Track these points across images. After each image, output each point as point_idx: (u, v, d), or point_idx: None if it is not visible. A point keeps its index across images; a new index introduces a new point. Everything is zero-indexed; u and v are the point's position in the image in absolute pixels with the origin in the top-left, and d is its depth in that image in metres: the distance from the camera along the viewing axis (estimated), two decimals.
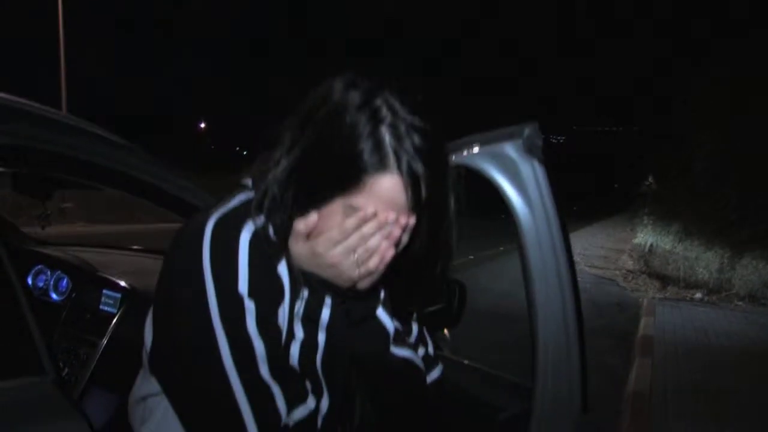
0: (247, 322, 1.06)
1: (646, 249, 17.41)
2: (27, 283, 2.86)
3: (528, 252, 1.42)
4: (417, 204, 1.08)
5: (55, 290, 2.82)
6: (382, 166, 1.05)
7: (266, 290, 1.09)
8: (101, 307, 2.62)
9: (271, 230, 1.12)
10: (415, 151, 1.06)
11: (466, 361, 1.89)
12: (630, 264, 15.96)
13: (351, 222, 1.07)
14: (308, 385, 1.12)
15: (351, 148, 1.05)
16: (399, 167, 1.05)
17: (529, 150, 1.37)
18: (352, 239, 1.08)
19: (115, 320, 2.52)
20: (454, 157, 1.45)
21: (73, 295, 2.72)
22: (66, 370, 2.50)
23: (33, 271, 2.88)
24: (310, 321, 1.13)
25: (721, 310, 10.86)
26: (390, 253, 1.08)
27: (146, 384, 1.25)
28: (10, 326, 1.38)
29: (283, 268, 1.13)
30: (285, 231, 1.12)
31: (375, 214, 1.06)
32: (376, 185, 1.06)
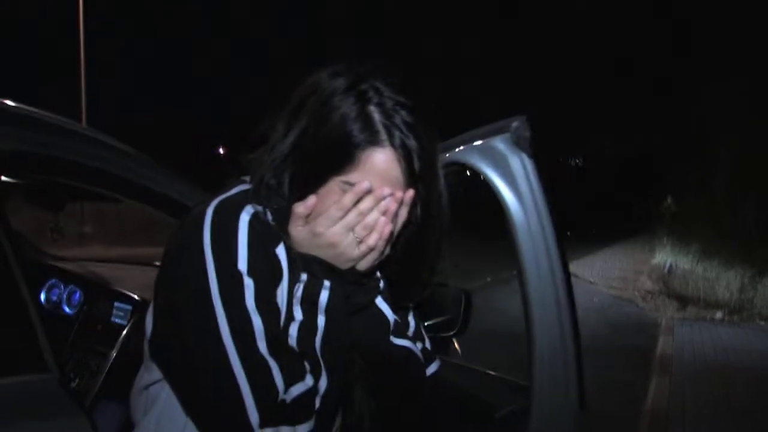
0: (246, 298, 1.09)
1: (666, 269, 17.23)
2: (40, 296, 2.91)
3: (519, 245, 1.44)
4: (411, 177, 1.12)
5: (68, 304, 2.86)
6: (373, 141, 1.11)
7: (264, 269, 1.12)
8: (112, 319, 2.67)
9: (269, 215, 1.16)
10: (404, 125, 1.11)
11: (462, 362, 1.90)
12: (649, 285, 15.78)
13: (348, 198, 1.11)
14: (307, 365, 1.13)
15: (342, 127, 1.11)
16: (391, 141, 1.11)
17: (518, 143, 1.39)
18: (351, 216, 1.11)
19: (125, 332, 2.56)
20: (447, 154, 1.48)
21: (85, 307, 2.77)
22: (77, 380, 2.53)
23: (47, 285, 2.93)
24: (310, 303, 1.15)
25: (741, 329, 10.70)
26: (388, 228, 1.12)
27: (147, 374, 1.28)
28: (15, 325, 1.42)
29: (281, 251, 1.16)
30: (283, 215, 1.16)
31: (371, 189, 1.10)
32: (370, 160, 1.11)
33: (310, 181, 1.14)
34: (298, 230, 1.15)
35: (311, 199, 1.13)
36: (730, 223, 15.65)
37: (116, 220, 15.77)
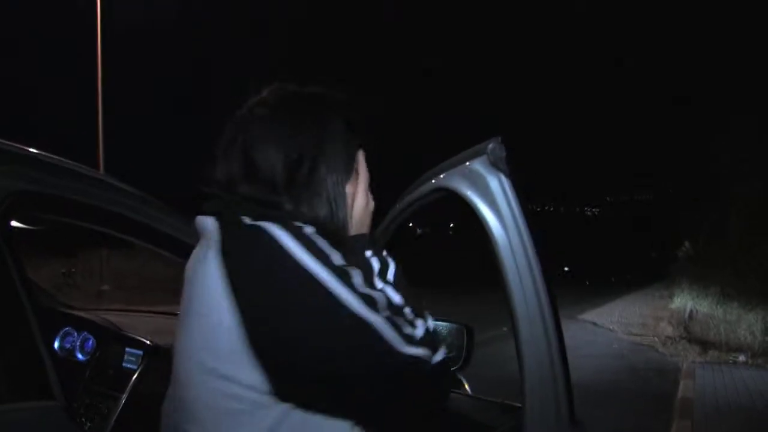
0: (357, 285, 1.14)
1: (686, 314, 17.01)
2: (54, 344, 2.97)
3: (502, 263, 1.49)
4: None
5: (81, 350, 2.92)
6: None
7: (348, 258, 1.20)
8: (124, 364, 2.72)
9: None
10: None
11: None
12: (669, 330, 15.57)
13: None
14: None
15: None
16: None
17: (494, 164, 1.46)
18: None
19: (135, 376, 2.61)
20: (433, 181, 1.55)
21: (98, 353, 2.83)
22: (88, 424, 2.57)
23: (61, 333, 2.99)
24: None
25: (765, 372, 10.50)
26: None
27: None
28: (22, 353, 1.48)
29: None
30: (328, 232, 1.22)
31: None
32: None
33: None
34: (355, 209, 1.32)
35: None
36: (749, 264, 15.47)
37: (136, 277, 15.88)
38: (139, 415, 2.55)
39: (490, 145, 1.47)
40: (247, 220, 1.18)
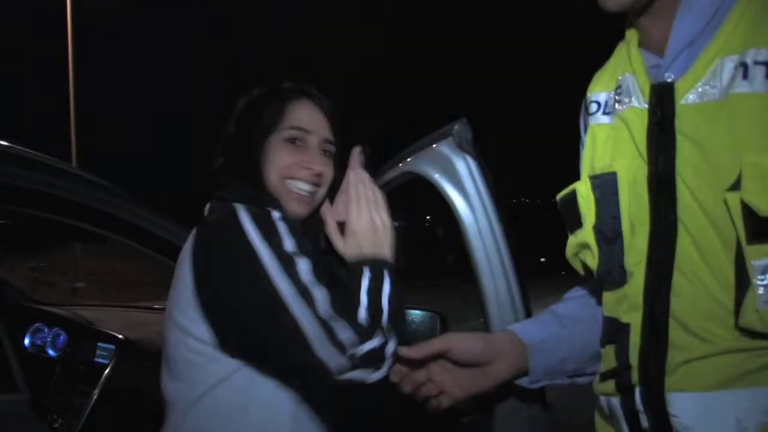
0: (302, 273, 1.22)
1: None
2: (24, 341, 2.93)
3: (470, 245, 1.49)
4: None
5: (52, 346, 2.89)
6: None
7: (308, 249, 1.27)
8: (95, 359, 2.69)
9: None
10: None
11: None
12: None
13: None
14: (377, 327, 1.28)
15: None
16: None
17: (460, 145, 1.46)
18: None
19: (107, 371, 2.58)
20: (400, 164, 1.54)
21: (69, 349, 2.79)
22: (59, 421, 2.54)
23: (31, 329, 2.95)
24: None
25: None
26: None
27: (199, 382, 1.31)
28: None
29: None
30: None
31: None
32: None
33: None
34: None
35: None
36: None
37: (110, 274, 15.73)
38: (111, 409, 2.52)
39: (456, 127, 1.47)
40: (228, 197, 1.33)
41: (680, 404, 1.05)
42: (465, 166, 1.47)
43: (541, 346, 1.35)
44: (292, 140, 1.39)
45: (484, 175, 1.48)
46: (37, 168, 1.81)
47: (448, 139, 1.47)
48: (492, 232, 1.48)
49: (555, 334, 1.36)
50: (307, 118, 1.40)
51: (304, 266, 1.22)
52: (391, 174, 1.57)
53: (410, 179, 1.54)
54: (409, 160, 1.54)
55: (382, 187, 1.42)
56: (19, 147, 1.80)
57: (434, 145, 1.49)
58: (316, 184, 1.40)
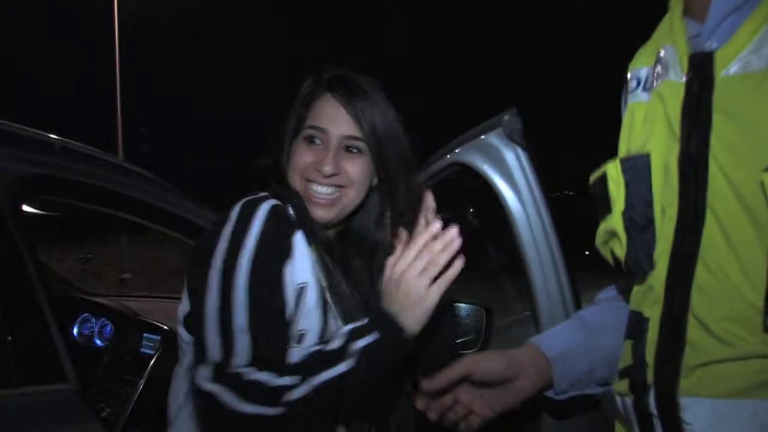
0: (238, 276, 1.17)
1: None
2: (73, 330, 2.98)
3: (519, 236, 1.46)
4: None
5: (100, 336, 2.93)
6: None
7: (272, 250, 1.21)
8: (141, 349, 2.73)
9: (290, 209, 1.28)
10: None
11: None
12: None
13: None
14: (294, 366, 1.20)
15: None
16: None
17: (510, 136, 1.43)
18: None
19: (153, 361, 2.61)
20: (448, 156, 1.52)
21: (116, 339, 2.84)
22: (107, 410, 2.58)
23: (79, 320, 3.00)
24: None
25: None
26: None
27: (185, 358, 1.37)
28: (34, 337, 1.48)
29: (299, 238, 1.27)
30: (301, 206, 1.30)
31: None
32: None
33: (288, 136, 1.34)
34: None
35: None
36: None
37: (157, 265, 15.99)
38: (156, 399, 2.55)
39: (506, 117, 1.44)
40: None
41: (694, 410, 0.95)
42: (515, 157, 1.44)
43: (564, 357, 1.30)
44: (310, 139, 1.32)
45: (534, 166, 1.45)
46: (85, 160, 1.84)
47: (498, 130, 1.44)
48: (542, 223, 1.45)
49: (580, 344, 1.31)
50: (326, 115, 1.32)
51: (242, 279, 1.17)
52: (439, 165, 1.55)
53: (458, 170, 1.52)
54: (457, 150, 1.51)
55: (427, 181, 1.40)
56: (66, 140, 1.83)
57: (483, 136, 1.47)
58: (338, 185, 1.31)
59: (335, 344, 1.16)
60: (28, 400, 1.40)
